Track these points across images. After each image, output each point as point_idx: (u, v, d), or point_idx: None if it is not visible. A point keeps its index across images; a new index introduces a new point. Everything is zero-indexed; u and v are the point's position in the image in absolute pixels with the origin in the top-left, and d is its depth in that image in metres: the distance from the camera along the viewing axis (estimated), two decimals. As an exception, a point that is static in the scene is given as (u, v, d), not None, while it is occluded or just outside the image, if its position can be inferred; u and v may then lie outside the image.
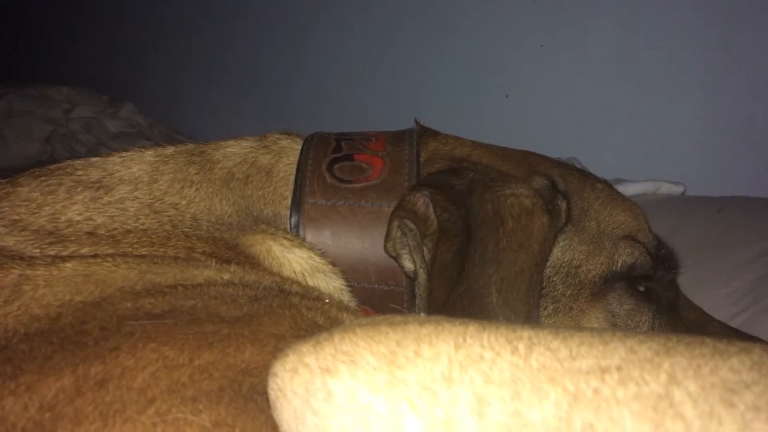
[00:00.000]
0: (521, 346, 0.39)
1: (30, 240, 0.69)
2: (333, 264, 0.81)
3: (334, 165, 0.87)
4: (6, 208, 0.73)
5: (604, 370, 0.36)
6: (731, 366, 0.36)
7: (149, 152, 0.86)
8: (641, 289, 0.90)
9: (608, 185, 0.98)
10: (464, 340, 0.40)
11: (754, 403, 0.33)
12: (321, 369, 0.39)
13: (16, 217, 0.72)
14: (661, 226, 1.39)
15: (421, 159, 0.90)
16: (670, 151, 1.91)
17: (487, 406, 0.36)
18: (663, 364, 0.36)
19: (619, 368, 0.36)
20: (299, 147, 0.91)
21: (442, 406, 0.37)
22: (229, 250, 0.74)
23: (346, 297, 0.80)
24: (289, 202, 0.85)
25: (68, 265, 0.61)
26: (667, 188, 1.73)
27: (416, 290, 0.79)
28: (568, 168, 0.98)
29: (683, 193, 1.74)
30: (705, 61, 1.83)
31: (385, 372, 0.39)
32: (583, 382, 0.36)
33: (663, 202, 1.65)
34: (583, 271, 0.86)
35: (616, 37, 1.94)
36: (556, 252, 0.86)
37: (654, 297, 0.91)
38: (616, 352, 0.37)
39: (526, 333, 0.40)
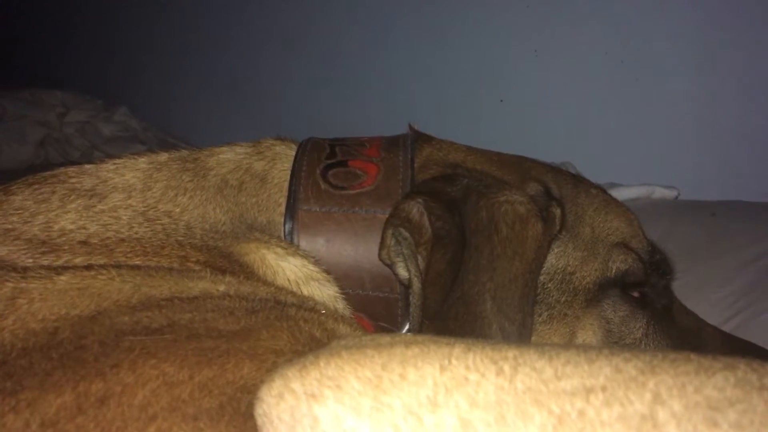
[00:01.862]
0: (506, 367, 0.39)
1: (23, 249, 0.68)
2: (327, 272, 0.81)
3: (328, 171, 0.87)
4: None
5: (589, 391, 0.36)
6: (715, 383, 0.36)
7: (142, 159, 0.86)
8: (635, 295, 0.90)
9: (602, 191, 0.99)
10: (449, 362, 0.39)
11: (737, 422, 0.33)
12: (306, 395, 0.39)
13: (9, 226, 0.71)
14: (654, 230, 1.39)
15: (415, 165, 0.90)
16: (664, 155, 1.92)
17: (472, 430, 0.36)
18: (648, 383, 0.36)
19: (604, 388, 0.36)
20: (293, 153, 0.91)
21: (427, 430, 0.37)
22: (223, 259, 0.74)
23: (341, 305, 0.80)
24: (283, 209, 0.85)
25: (62, 277, 0.60)
26: (660, 192, 1.73)
27: (410, 298, 0.79)
28: (562, 173, 0.98)
29: (677, 198, 1.75)
30: (698, 65, 1.84)
31: (370, 397, 0.39)
32: (568, 404, 0.36)
33: (657, 207, 1.66)
34: (577, 277, 0.87)
35: (609, 41, 1.95)
36: (551, 258, 0.86)
37: (648, 303, 0.91)
38: (602, 371, 0.37)
39: (512, 353, 0.40)
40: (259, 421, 0.41)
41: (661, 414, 0.34)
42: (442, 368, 0.39)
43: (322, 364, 0.41)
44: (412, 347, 0.41)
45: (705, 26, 1.80)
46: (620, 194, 1.70)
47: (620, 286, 0.88)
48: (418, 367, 0.40)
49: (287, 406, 0.40)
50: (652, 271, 0.91)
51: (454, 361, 0.40)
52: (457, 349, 0.41)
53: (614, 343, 0.88)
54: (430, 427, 0.37)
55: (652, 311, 0.91)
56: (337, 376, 0.40)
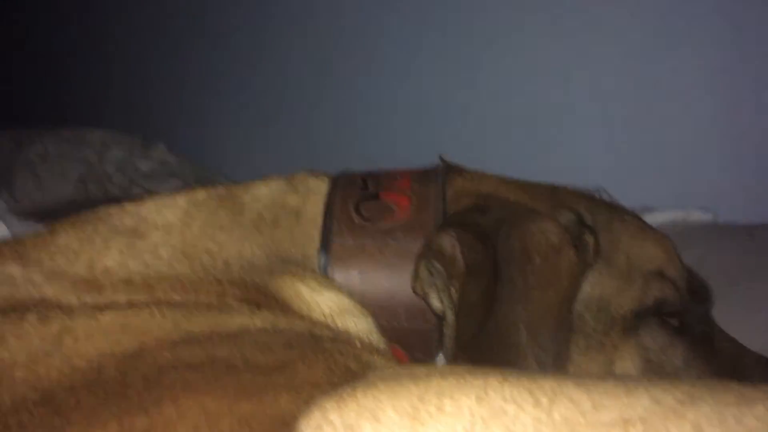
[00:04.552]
0: (544, 399, 0.39)
1: (68, 289, 0.71)
2: (362, 304, 0.82)
3: (361, 204, 0.89)
4: (45, 258, 0.75)
5: (627, 422, 0.36)
6: (757, 414, 0.35)
7: (181, 197, 0.88)
8: (674, 323, 0.89)
9: (637, 218, 0.98)
10: (486, 393, 0.40)
11: None
12: (345, 426, 0.40)
13: (55, 267, 0.74)
14: (691, 254, 1.37)
15: (447, 196, 0.91)
16: (699, 177, 1.89)
17: None
18: (687, 414, 0.36)
19: (642, 420, 0.36)
20: (326, 187, 0.93)
21: None
22: (259, 294, 0.75)
23: (375, 337, 0.81)
24: (317, 242, 0.86)
25: (106, 315, 0.63)
26: (696, 215, 1.71)
27: (444, 330, 0.80)
28: (595, 201, 0.99)
29: (713, 220, 1.72)
30: (732, 84, 1.82)
31: (407, 428, 0.39)
32: None
33: (692, 230, 1.63)
34: (614, 306, 0.86)
35: (639, 64, 1.94)
36: (586, 287, 0.85)
37: (687, 330, 0.90)
38: (640, 402, 0.37)
39: (549, 384, 0.40)
40: None
41: None
42: (479, 399, 0.40)
43: (359, 395, 0.42)
44: (448, 378, 0.42)
45: (738, 45, 1.79)
46: (655, 218, 1.67)
47: (658, 314, 0.88)
48: (454, 399, 0.40)
49: None
50: (690, 299, 0.90)
51: (490, 393, 0.40)
52: (493, 380, 0.41)
53: (654, 372, 0.86)
54: None
55: (692, 339, 0.89)
56: (375, 408, 0.40)
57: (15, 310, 0.64)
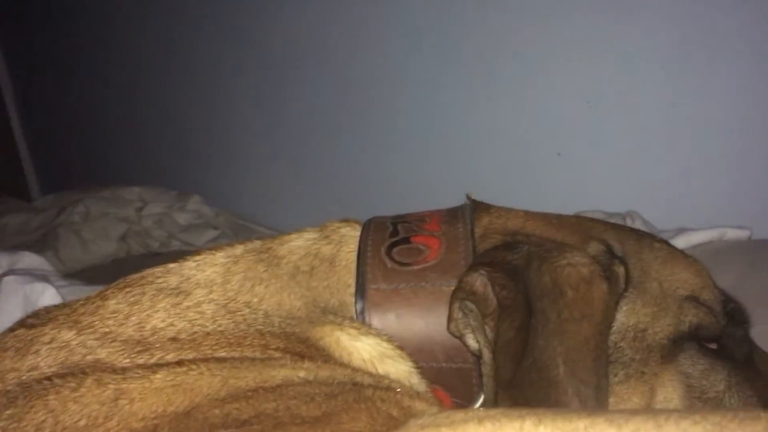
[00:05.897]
0: None
1: (120, 350, 0.74)
2: (400, 347, 0.84)
3: (392, 249, 0.91)
4: (97, 322, 0.79)
5: None
6: None
7: (220, 254, 0.92)
8: (713, 347, 0.89)
9: (666, 243, 0.98)
10: None
11: None
12: None
13: (107, 330, 0.78)
14: (729, 273, 1.36)
15: (475, 235, 0.93)
16: (734, 195, 1.87)
17: None
18: None
19: None
20: (358, 234, 0.95)
21: None
22: (300, 344, 0.78)
23: (416, 379, 0.82)
24: (353, 289, 0.89)
25: (158, 375, 0.66)
26: (732, 234, 1.69)
27: (483, 368, 0.81)
28: (623, 229, 0.99)
29: (750, 238, 1.70)
30: (758, 100, 1.81)
31: None
32: None
33: (729, 249, 1.62)
34: (650, 334, 0.86)
35: (671, 83, 1.94)
36: (620, 317, 0.86)
37: (727, 354, 0.89)
38: None
39: (582, 423, 0.41)
40: None
41: None
42: None
43: None
44: (484, 423, 0.44)
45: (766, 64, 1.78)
46: (691, 239, 1.67)
47: (696, 339, 0.88)
48: None
49: None
50: (727, 322, 0.90)
51: None
52: (528, 423, 0.43)
53: (696, 398, 0.86)
54: None
55: (733, 362, 0.89)
56: None
57: (73, 374, 0.68)
